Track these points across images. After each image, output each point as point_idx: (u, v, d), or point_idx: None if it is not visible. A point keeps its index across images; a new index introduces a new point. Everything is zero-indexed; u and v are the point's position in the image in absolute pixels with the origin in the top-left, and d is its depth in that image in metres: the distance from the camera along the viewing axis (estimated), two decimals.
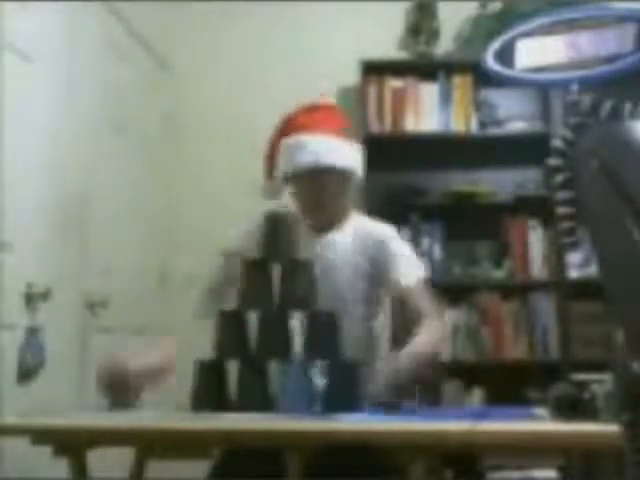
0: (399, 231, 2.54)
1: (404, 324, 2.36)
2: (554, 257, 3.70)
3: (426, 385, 2.32)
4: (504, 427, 1.94)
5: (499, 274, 3.79)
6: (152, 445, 2.28)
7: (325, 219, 2.41)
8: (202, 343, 2.86)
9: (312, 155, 2.29)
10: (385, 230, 2.43)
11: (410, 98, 3.85)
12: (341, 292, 2.32)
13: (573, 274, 3.63)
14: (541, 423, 1.99)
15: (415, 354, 2.18)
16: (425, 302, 2.33)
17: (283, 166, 2.34)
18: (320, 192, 2.34)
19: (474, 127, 3.82)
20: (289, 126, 2.39)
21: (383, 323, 2.44)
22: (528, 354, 3.70)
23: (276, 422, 2.09)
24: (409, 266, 2.38)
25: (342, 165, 2.33)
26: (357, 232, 2.41)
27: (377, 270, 2.37)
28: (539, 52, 1.40)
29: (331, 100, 2.70)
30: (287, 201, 2.43)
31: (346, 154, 2.34)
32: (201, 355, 2.16)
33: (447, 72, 3.85)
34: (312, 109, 2.43)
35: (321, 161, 2.29)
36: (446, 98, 3.84)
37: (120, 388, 2.13)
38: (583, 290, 3.50)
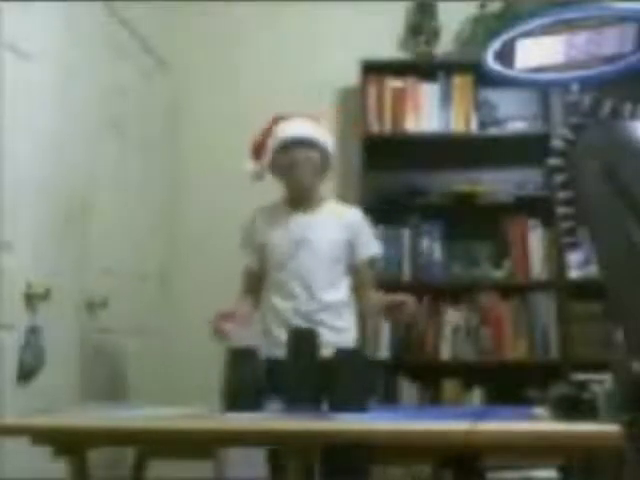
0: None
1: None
2: (554, 257, 3.70)
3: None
4: (504, 427, 1.94)
5: (499, 274, 3.79)
6: (152, 445, 2.28)
7: (309, 196, 2.90)
8: (201, 341, 2.86)
9: (292, 130, 2.83)
10: (357, 213, 2.99)
11: (410, 98, 3.85)
12: (321, 261, 2.84)
13: (573, 274, 3.62)
14: (541, 423, 1.99)
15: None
16: (370, 275, 2.97)
17: (276, 138, 2.84)
18: (307, 160, 2.83)
19: (474, 127, 3.81)
20: (273, 121, 2.91)
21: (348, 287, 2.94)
22: (528, 354, 3.70)
23: (276, 422, 2.09)
24: (369, 245, 2.95)
25: (322, 141, 2.85)
26: (333, 213, 2.93)
27: (349, 244, 2.89)
28: (539, 52, 1.40)
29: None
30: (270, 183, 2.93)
31: (321, 133, 2.88)
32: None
33: (447, 72, 3.85)
34: (290, 113, 2.94)
35: (307, 133, 2.83)
36: (446, 98, 3.84)
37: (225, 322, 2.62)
38: (583, 290, 3.50)
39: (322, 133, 2.90)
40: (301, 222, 2.89)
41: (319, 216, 2.91)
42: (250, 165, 2.93)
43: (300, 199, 2.92)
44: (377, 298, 2.88)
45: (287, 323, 2.72)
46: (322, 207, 2.94)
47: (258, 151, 2.92)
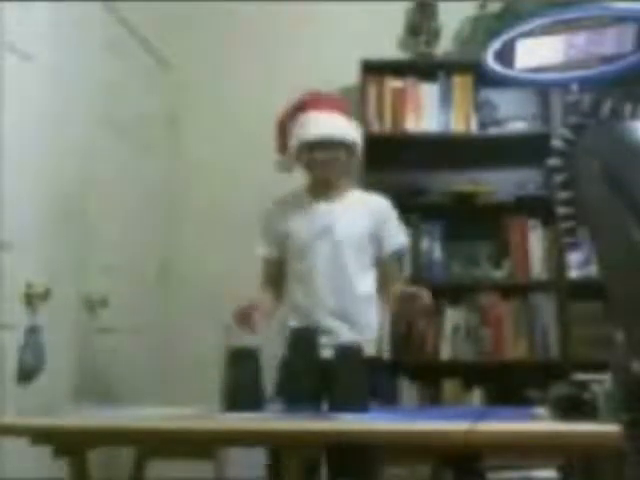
0: None
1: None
2: (554, 257, 3.70)
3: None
4: (504, 427, 1.94)
5: (499, 274, 3.79)
6: (152, 445, 2.28)
7: (333, 187, 2.81)
8: (202, 341, 2.86)
9: (326, 128, 2.71)
10: (383, 201, 2.89)
11: (410, 98, 3.85)
12: (344, 251, 2.72)
13: (573, 274, 3.62)
14: (541, 423, 1.99)
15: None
16: (396, 269, 2.89)
17: (299, 138, 2.73)
18: (331, 162, 2.74)
19: (474, 127, 3.81)
20: (299, 106, 2.79)
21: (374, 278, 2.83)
22: (528, 354, 3.70)
23: (276, 422, 2.09)
24: (396, 236, 2.84)
25: (350, 139, 2.76)
26: (358, 201, 2.84)
27: (375, 234, 2.79)
28: (539, 52, 1.40)
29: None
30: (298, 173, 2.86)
31: (352, 131, 2.78)
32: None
33: (447, 72, 3.84)
34: (317, 94, 2.86)
35: (333, 134, 2.71)
36: (446, 98, 3.84)
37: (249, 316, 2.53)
38: (583, 290, 3.49)
39: (348, 126, 2.78)
40: (324, 210, 2.79)
41: (343, 204, 2.80)
42: (277, 157, 2.83)
43: (323, 188, 2.82)
44: (395, 289, 2.76)
45: (306, 318, 2.63)
46: (346, 195, 2.83)
47: (282, 141, 2.81)
